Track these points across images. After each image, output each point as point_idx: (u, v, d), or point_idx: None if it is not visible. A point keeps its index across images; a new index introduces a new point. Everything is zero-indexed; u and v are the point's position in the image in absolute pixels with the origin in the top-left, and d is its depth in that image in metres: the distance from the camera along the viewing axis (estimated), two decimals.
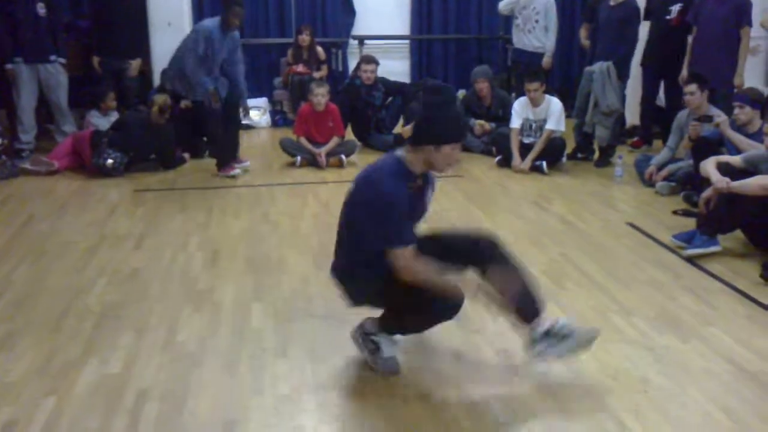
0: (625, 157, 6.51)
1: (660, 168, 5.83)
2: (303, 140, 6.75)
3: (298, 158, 6.69)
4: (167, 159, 6.61)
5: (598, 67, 6.53)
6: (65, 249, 4.44)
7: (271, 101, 9.12)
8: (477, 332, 3.27)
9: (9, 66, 6.80)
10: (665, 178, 5.72)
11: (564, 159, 6.64)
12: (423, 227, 3.02)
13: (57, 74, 7.03)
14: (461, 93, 8.83)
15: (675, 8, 6.84)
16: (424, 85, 8.17)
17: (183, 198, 5.69)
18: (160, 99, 6.59)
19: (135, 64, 7.61)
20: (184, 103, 7.08)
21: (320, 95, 6.70)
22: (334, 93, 7.13)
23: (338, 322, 3.37)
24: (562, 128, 6.49)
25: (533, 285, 2.90)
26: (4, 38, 6.74)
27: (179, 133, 6.79)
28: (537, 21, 7.54)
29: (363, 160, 6.92)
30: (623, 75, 6.65)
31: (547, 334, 2.82)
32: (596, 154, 6.85)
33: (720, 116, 5.33)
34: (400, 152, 2.86)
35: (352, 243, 2.92)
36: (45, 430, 2.53)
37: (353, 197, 2.90)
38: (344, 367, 2.97)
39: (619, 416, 2.60)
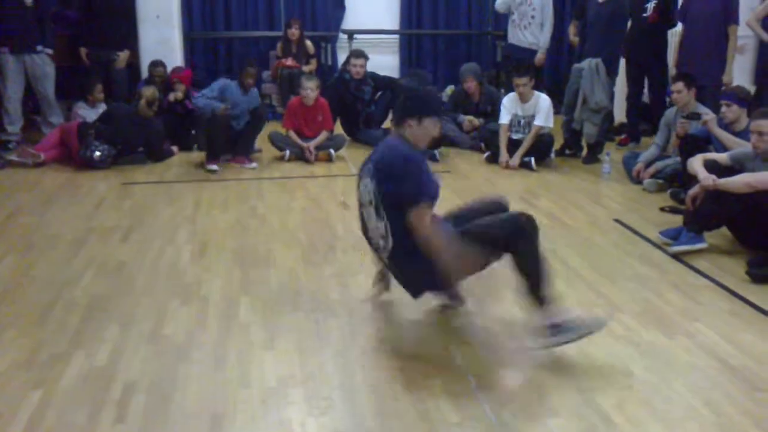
0: (612, 154, 6.54)
1: (647, 165, 5.86)
2: (292, 134, 6.74)
3: (287, 152, 6.68)
4: (155, 152, 6.58)
5: (587, 63, 6.56)
6: (52, 241, 4.42)
7: (261, 95, 9.09)
8: (464, 328, 3.28)
9: None
10: (652, 175, 5.75)
11: (552, 155, 6.67)
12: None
13: (44, 65, 6.99)
14: (450, 89, 8.85)
15: (650, 5, 6.89)
16: (410, 74, 8.18)
17: (171, 191, 5.67)
18: (148, 91, 6.56)
19: (123, 56, 7.58)
20: (173, 96, 7.06)
21: (310, 89, 6.69)
22: (323, 87, 7.13)
23: (325, 315, 3.38)
24: (551, 125, 6.51)
25: (550, 272, 3.07)
26: None
27: (167, 125, 6.77)
28: (533, 17, 7.55)
29: (352, 154, 6.93)
30: (612, 72, 6.68)
31: (558, 326, 2.94)
32: (584, 151, 6.88)
33: (708, 114, 5.36)
34: (393, 136, 3.18)
35: (398, 225, 3.02)
36: (31, 424, 2.52)
37: (380, 175, 3.04)
38: (332, 361, 2.98)
39: (605, 411, 2.62)
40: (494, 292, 3.04)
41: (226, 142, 6.35)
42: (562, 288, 3.75)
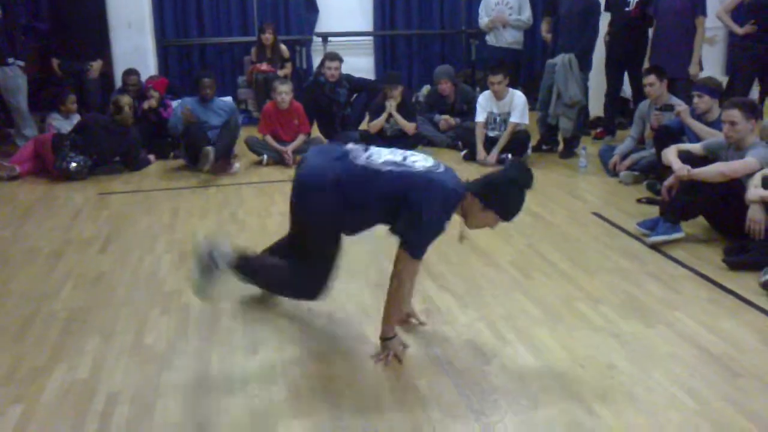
0: (588, 147, 6.59)
1: (623, 158, 5.91)
2: (269, 138, 6.73)
3: (265, 157, 6.67)
4: (132, 161, 6.54)
5: (560, 59, 6.60)
6: (29, 255, 4.38)
7: (236, 100, 9.06)
8: (447, 324, 3.29)
9: None
10: (629, 168, 5.81)
11: (529, 151, 6.72)
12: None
13: (15, 77, 6.92)
14: (426, 88, 8.87)
15: (633, 0, 6.93)
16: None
17: (148, 200, 5.63)
18: (125, 99, 6.52)
19: (96, 66, 7.52)
20: (147, 104, 7.02)
21: (284, 93, 6.67)
22: (298, 91, 7.11)
23: (307, 319, 3.38)
24: (526, 121, 6.55)
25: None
26: None
27: (143, 134, 6.73)
28: (510, 15, 7.60)
29: None
30: (585, 67, 6.72)
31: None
32: (560, 146, 6.93)
33: (680, 105, 5.42)
34: (464, 188, 2.97)
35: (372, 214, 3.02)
36: None
37: (404, 188, 2.88)
38: (315, 365, 2.97)
39: (588, 402, 2.64)
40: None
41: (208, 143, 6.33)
42: (542, 282, 3.79)
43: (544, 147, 7.03)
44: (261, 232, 4.72)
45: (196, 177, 6.19)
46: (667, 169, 4.52)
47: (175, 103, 7.00)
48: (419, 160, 2.98)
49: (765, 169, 4.05)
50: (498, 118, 6.59)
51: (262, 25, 8.71)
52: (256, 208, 5.31)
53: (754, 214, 3.94)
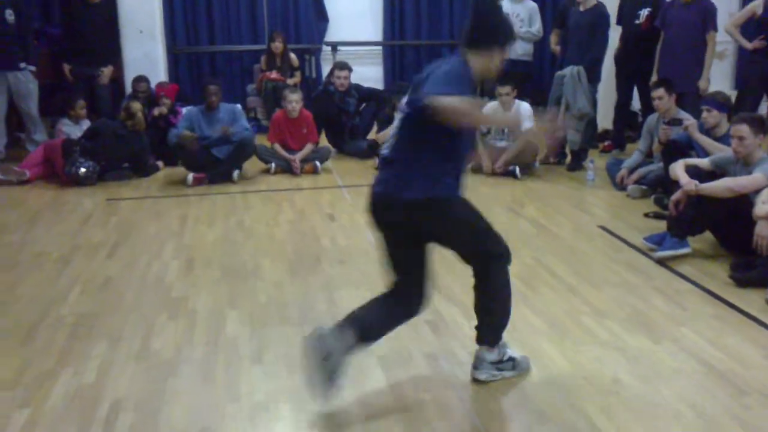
0: (596, 160, 6.59)
1: (631, 171, 5.91)
2: (277, 147, 6.75)
3: (273, 165, 6.69)
4: (141, 167, 6.57)
5: (569, 71, 6.60)
6: (38, 259, 4.40)
7: (245, 108, 9.09)
8: (451, 337, 3.29)
9: None
10: (636, 182, 5.80)
11: (536, 164, 6.71)
12: None
13: (27, 82, 6.97)
14: None
15: (643, 13, 6.94)
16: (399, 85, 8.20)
17: (157, 206, 5.66)
18: (136, 106, 6.55)
19: (107, 72, 7.57)
20: (157, 110, 7.06)
21: (294, 102, 6.70)
22: (307, 100, 7.13)
23: (313, 328, 3.38)
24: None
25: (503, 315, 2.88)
26: None
27: (152, 140, 6.76)
28: (521, 28, 7.63)
29: (337, 166, 6.95)
30: (594, 79, 6.72)
31: (493, 363, 2.89)
32: (568, 158, 6.92)
33: (689, 119, 5.42)
34: (461, 58, 2.79)
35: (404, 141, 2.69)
36: None
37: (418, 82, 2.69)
38: None
39: (591, 417, 2.64)
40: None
41: (202, 165, 6.33)
42: (548, 296, 3.79)
43: (551, 159, 7.02)
44: (268, 241, 4.74)
45: (204, 184, 6.22)
46: (675, 184, 4.52)
47: (184, 110, 7.03)
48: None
49: None
50: (506, 129, 6.59)
51: (272, 33, 8.76)
52: (264, 216, 5.32)
53: (762, 230, 3.93)
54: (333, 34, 9.62)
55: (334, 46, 9.42)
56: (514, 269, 4.09)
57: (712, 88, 6.25)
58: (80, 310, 3.63)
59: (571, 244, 4.66)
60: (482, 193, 5.97)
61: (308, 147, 6.78)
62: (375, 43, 9.81)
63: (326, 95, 7.53)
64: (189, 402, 2.76)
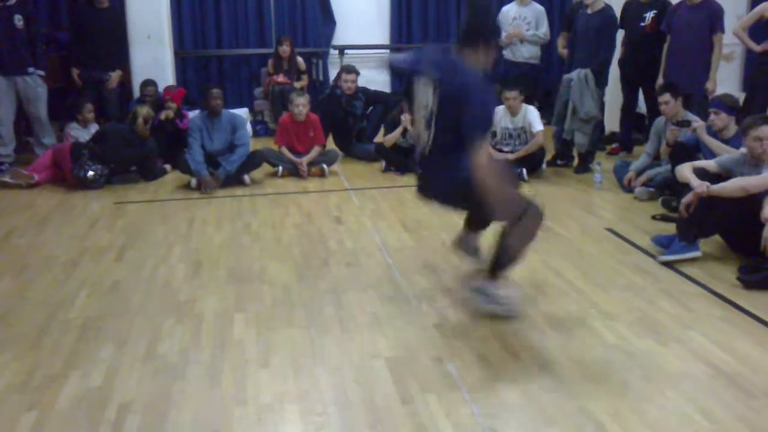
0: (604, 163, 6.58)
1: (639, 173, 5.89)
2: (284, 150, 6.77)
3: (280, 168, 6.71)
4: (148, 170, 6.60)
5: (576, 74, 6.60)
6: (46, 262, 4.42)
7: (252, 111, 9.13)
8: (459, 337, 3.29)
9: None
10: (644, 184, 5.79)
11: (544, 166, 6.70)
12: None
13: (36, 86, 7.00)
14: None
15: (649, 15, 6.93)
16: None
17: (164, 209, 5.68)
18: (144, 110, 6.58)
19: (115, 76, 7.61)
20: (164, 114, 7.08)
21: (301, 105, 6.72)
22: (314, 103, 7.14)
23: (320, 331, 3.39)
24: (541, 128, 6.55)
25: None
26: None
27: (160, 144, 6.79)
28: (528, 31, 7.63)
29: (344, 169, 6.96)
30: (601, 82, 6.72)
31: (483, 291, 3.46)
32: (575, 161, 6.91)
33: (697, 121, 5.40)
34: (464, 60, 3.26)
35: (443, 140, 3.27)
36: None
37: (447, 94, 3.20)
38: (327, 377, 2.98)
39: (599, 419, 2.63)
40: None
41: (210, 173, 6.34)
42: (555, 298, 3.78)
43: (559, 162, 7.02)
44: (275, 244, 4.75)
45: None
46: (683, 186, 4.50)
47: (191, 114, 7.05)
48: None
49: None
50: (513, 133, 6.59)
51: (279, 37, 8.79)
52: (271, 219, 5.33)
53: None
54: (340, 37, 9.64)
55: (342, 50, 9.44)
56: (521, 271, 4.12)
57: (720, 90, 6.23)
58: (88, 313, 3.65)
59: (578, 247, 4.65)
60: None
61: (315, 150, 6.79)
62: (382, 47, 9.82)
63: (333, 98, 7.54)
64: (196, 405, 2.77)
